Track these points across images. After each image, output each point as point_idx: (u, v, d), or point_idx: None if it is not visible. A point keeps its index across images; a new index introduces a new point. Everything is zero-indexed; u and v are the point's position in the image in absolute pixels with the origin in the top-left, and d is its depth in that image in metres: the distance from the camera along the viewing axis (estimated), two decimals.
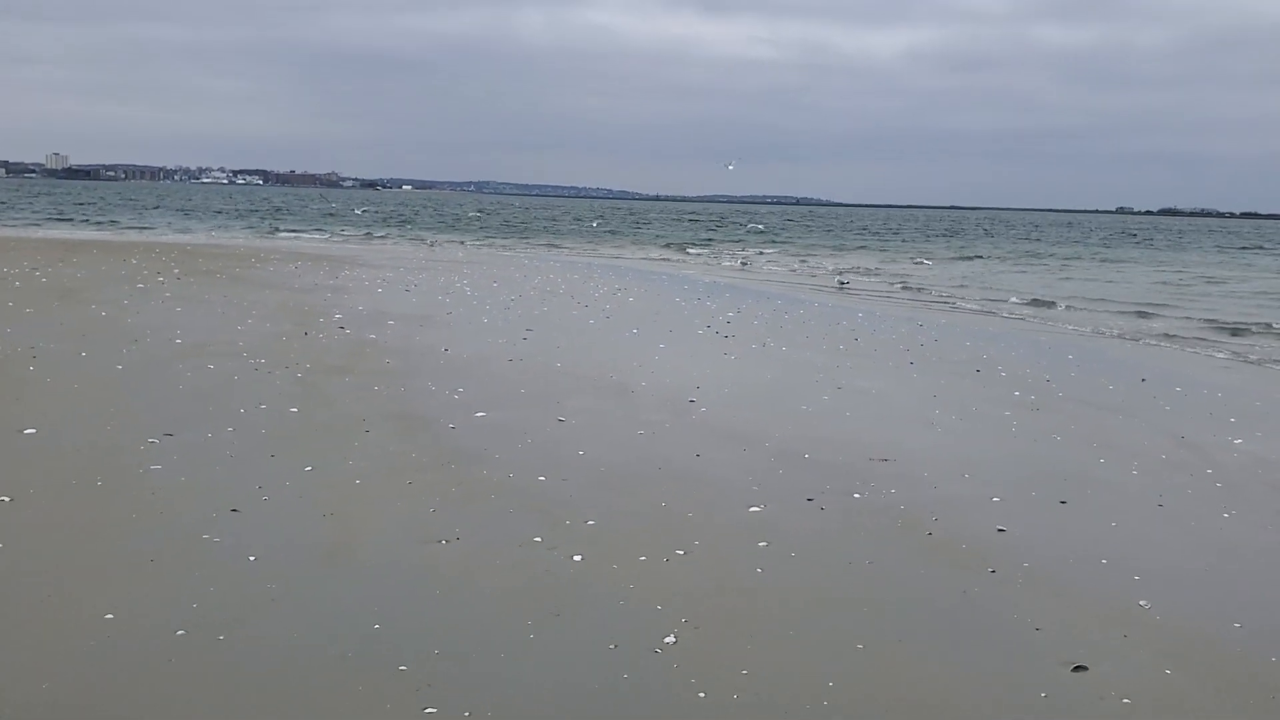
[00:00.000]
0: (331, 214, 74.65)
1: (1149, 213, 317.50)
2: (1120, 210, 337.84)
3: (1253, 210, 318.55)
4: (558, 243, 48.05)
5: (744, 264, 33.57)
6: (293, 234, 45.89)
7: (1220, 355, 15.65)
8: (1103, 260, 47.60)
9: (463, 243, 44.44)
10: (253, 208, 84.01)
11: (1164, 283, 32.62)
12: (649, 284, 23.55)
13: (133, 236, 38.27)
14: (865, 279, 29.88)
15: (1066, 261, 45.59)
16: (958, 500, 6.80)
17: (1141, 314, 22.14)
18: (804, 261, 36.88)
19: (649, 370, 11.16)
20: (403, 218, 73.17)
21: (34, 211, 58.03)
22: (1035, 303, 23.73)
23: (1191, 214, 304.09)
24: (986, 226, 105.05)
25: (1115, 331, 18.50)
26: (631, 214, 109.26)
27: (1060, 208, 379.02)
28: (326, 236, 45.24)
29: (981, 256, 47.10)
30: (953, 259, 44.83)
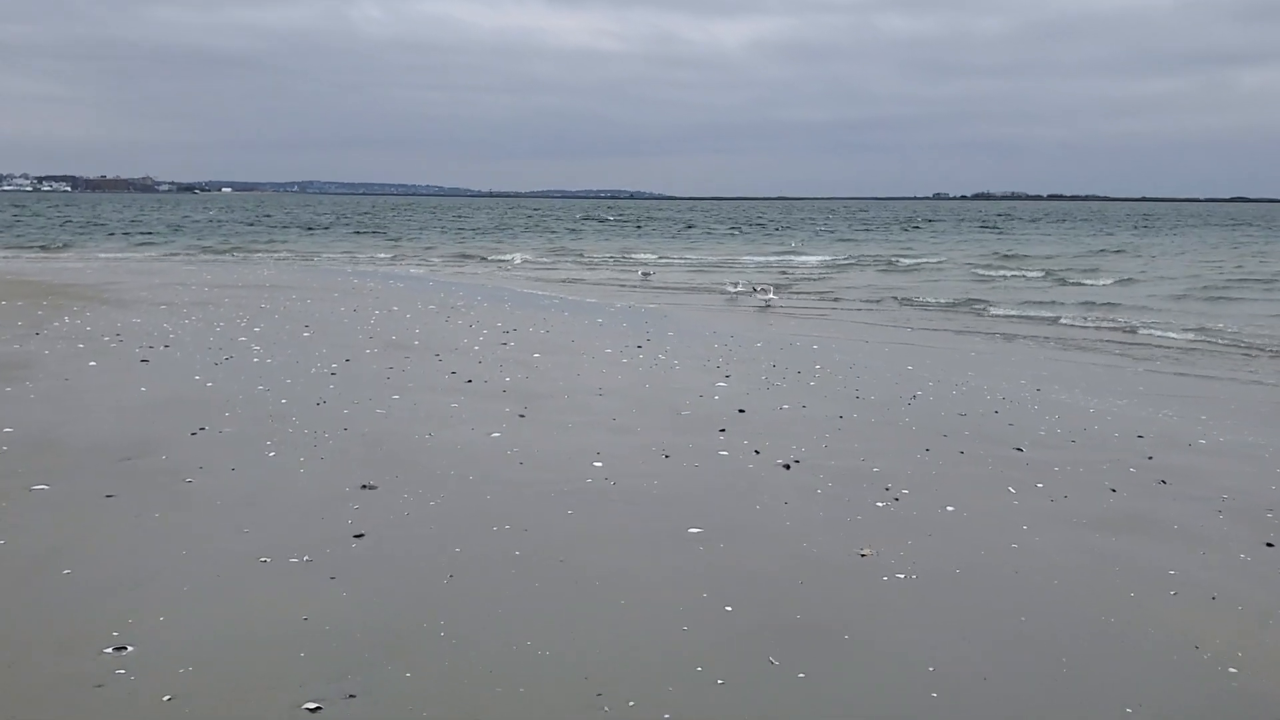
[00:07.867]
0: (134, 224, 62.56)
1: (963, 198, 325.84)
2: (936, 196, 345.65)
3: (1058, 193, 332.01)
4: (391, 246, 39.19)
5: (645, 275, 25.88)
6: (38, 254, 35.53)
7: None
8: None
9: (276, 257, 35.03)
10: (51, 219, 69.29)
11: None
12: (543, 317, 15.61)
13: None
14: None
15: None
16: None
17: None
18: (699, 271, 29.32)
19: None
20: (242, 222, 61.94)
21: None
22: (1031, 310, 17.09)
23: (1002, 197, 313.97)
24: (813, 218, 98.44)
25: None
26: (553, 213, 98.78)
27: (882, 195, 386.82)
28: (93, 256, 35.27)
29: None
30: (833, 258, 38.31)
